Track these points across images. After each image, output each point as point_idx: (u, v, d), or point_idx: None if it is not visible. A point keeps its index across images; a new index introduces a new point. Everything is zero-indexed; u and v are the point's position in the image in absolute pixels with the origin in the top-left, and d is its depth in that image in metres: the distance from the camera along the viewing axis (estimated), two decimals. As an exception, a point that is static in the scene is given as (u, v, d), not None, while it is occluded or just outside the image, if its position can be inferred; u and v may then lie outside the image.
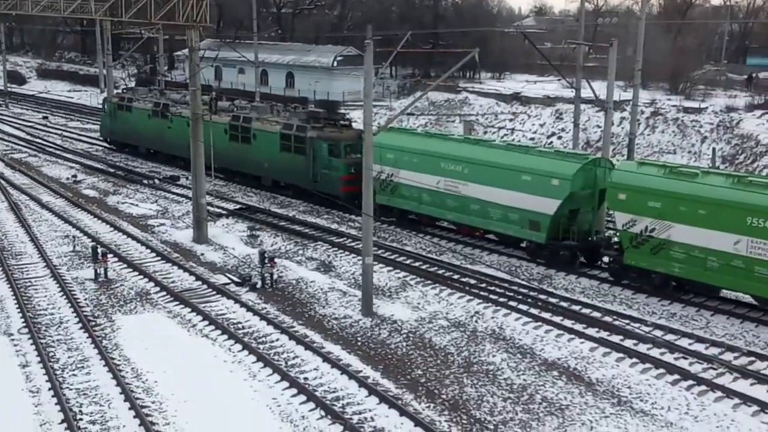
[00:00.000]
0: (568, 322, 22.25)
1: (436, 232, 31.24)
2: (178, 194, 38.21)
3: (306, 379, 18.76)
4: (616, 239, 26.24)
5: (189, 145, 38.62)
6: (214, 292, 24.62)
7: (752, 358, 19.95)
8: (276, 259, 26.21)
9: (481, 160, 27.53)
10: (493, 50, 72.30)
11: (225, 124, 38.93)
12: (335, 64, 73.10)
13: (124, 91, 52.74)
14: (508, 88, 65.76)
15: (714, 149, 43.43)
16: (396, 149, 30.28)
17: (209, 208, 32.20)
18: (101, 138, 51.98)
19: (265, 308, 23.41)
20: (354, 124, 37.71)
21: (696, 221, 22.21)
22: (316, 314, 22.97)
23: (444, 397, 17.99)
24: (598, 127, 48.15)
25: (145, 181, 40.94)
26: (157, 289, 24.89)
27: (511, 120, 55.65)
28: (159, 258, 28.10)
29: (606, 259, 25.93)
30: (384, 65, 32.15)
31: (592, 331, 21.61)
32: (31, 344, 20.64)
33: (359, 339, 21.25)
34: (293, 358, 19.93)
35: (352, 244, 29.68)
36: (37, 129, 60.19)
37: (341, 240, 30.44)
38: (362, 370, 19.32)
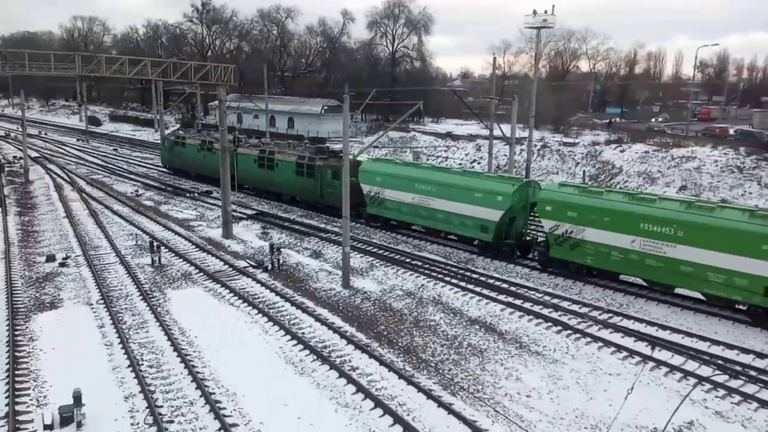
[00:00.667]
0: (486, 291, 22.39)
1: (401, 231, 31.14)
2: (210, 204, 37.62)
3: (303, 333, 18.61)
4: (541, 238, 26.25)
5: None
6: (237, 273, 24.29)
7: (611, 315, 20.32)
8: (281, 249, 25.99)
9: (445, 182, 26.80)
10: (432, 102, 72.65)
11: (255, 155, 37.85)
12: (323, 111, 72.77)
13: (178, 131, 51.50)
14: (443, 128, 66.05)
15: (584, 171, 44.11)
16: (382, 174, 29.38)
17: (234, 213, 31.74)
18: (162, 165, 50.08)
19: (274, 284, 23.14)
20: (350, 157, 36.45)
21: (603, 226, 21.85)
22: (310, 287, 22.77)
23: (400, 344, 17.98)
24: (505, 156, 48.53)
25: (188, 194, 40.24)
26: (197, 271, 24.48)
27: (445, 151, 55.92)
28: (197, 249, 27.64)
29: (535, 253, 25.60)
30: (357, 113, 32.09)
31: (502, 297, 21.77)
32: (106, 311, 20.16)
33: (340, 305, 21.12)
34: (294, 319, 19.75)
35: (336, 238, 29.41)
36: (109, 157, 58.84)
37: (328, 235, 30.11)
38: (343, 326, 19.21)
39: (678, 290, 21.28)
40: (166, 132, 51.11)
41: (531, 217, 26.95)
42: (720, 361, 16.95)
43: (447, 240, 28.49)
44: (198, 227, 31.96)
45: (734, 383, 15.93)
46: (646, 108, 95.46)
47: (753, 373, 16.36)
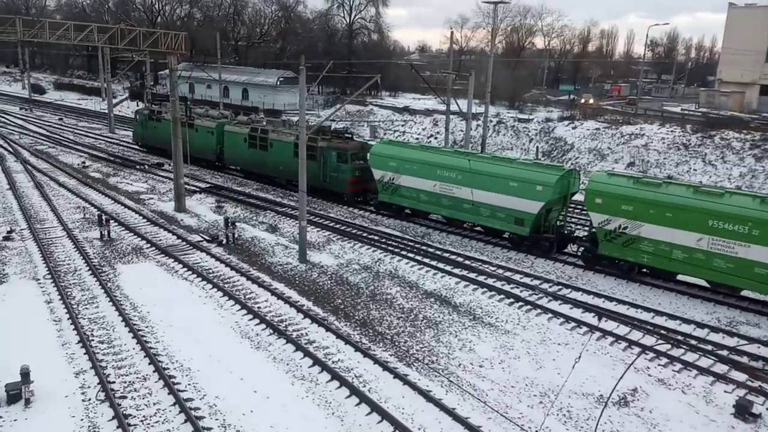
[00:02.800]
0: (441, 265, 22.66)
1: (417, 221, 31.08)
2: (162, 176, 36.53)
3: (259, 307, 18.47)
4: (578, 231, 25.25)
5: (211, 149, 37.09)
6: (191, 247, 23.80)
7: (559, 287, 20.96)
8: (236, 223, 25.56)
9: (474, 169, 24.42)
10: (390, 76, 72.11)
11: (245, 134, 34.74)
12: (278, 83, 71.29)
13: (153, 104, 47.32)
14: (401, 103, 65.82)
15: (537, 147, 44.92)
16: (397, 158, 26.85)
17: (186, 186, 30.92)
18: (134, 142, 45.75)
19: (229, 258, 22.82)
20: (356, 137, 33.81)
21: (664, 222, 19.87)
22: (266, 262, 22.57)
23: (356, 318, 18.08)
24: (461, 131, 48.96)
25: (138, 167, 38.92)
26: (149, 245, 23.86)
27: (402, 125, 55.86)
28: (149, 222, 26.89)
29: (575, 248, 23.93)
30: (313, 85, 31.70)
31: (457, 271, 22.10)
32: (53, 286, 19.46)
33: (297, 279, 21.03)
34: (249, 293, 19.57)
35: (292, 212, 29.20)
36: (54, 127, 56.14)
37: (284, 209, 29.84)
38: (299, 300, 19.17)
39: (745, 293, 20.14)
40: (140, 105, 48.40)
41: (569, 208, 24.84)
42: (663, 331, 17.71)
43: (494, 237, 25.83)
44: (149, 200, 31.04)
45: (676, 352, 16.71)
46: (598, 86, 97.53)
47: (693, 342, 17.19)
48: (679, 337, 17.38)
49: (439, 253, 24.04)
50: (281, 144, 32.87)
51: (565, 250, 24.12)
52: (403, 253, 23.92)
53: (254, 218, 28.35)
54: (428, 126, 54.75)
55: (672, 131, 42.56)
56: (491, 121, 49.62)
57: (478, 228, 26.61)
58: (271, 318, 17.76)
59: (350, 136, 31.91)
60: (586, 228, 26.39)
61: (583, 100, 67.59)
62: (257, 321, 17.62)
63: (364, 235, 26.19)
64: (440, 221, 27.71)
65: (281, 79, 71.50)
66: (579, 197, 29.65)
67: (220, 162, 37.63)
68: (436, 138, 52.07)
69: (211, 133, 37.16)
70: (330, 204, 31.07)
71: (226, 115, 38.80)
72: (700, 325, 18.20)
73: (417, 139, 52.03)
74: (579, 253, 23.28)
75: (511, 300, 19.74)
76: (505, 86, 62.59)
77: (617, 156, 41.60)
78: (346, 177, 30.04)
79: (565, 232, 24.19)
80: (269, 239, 25.25)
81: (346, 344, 16.45)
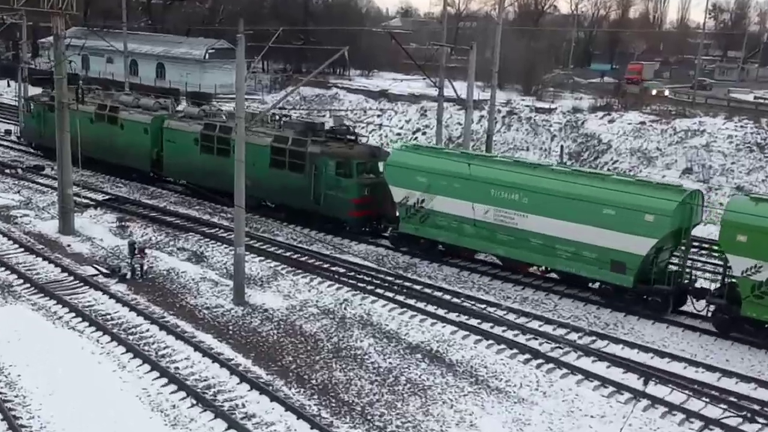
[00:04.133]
0: (431, 308, 22.75)
1: (459, 263, 31.09)
2: (42, 185, 36.10)
3: (177, 368, 18.26)
4: (710, 283, 24.21)
5: (144, 154, 35.99)
6: (81, 284, 23.47)
7: (593, 338, 21.20)
8: (146, 250, 25.33)
9: (547, 189, 23.07)
10: (361, 48, 72.71)
11: (196, 133, 33.32)
12: (207, 56, 71.22)
13: (52, 91, 46.78)
14: (376, 85, 66.47)
15: (562, 147, 45.63)
16: (430, 172, 25.66)
17: (77, 198, 30.61)
18: (23, 142, 44.50)
19: (135, 299, 22.57)
20: (362, 140, 32.78)
21: None
22: (187, 304, 22.41)
23: (314, 381, 18.01)
24: (459, 124, 49.54)
25: (7, 171, 38.39)
26: (21, 281, 23.45)
27: (378, 116, 56.26)
28: (22, 249, 26.47)
29: (701, 305, 22.23)
30: (256, 59, 31.74)
31: (452, 316, 22.20)
32: None
33: (231, 327, 20.91)
34: (164, 349, 19.35)
35: (224, 234, 29.13)
36: None
37: (213, 230, 29.81)
38: (234, 358, 19.02)
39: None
40: (32, 92, 46.76)
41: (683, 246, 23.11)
42: (733, 398, 17.92)
43: (576, 286, 24.32)
44: (22, 219, 30.61)
45: (750, 428, 16.89)
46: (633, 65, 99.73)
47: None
48: (756, 406, 17.62)
49: (428, 291, 24.12)
50: (252, 148, 29.57)
51: (683, 308, 22.68)
52: (379, 291, 23.95)
53: (172, 243, 28.24)
54: (414, 117, 55.26)
55: (742, 127, 43.68)
56: (499, 111, 50.38)
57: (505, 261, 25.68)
58: (194, 383, 17.59)
59: (354, 137, 30.74)
60: (716, 276, 24.75)
61: (644, 88, 68.11)
62: (174, 387, 17.43)
63: (325, 266, 26.21)
64: (486, 261, 26.59)
65: (211, 51, 71.49)
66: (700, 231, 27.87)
67: (156, 172, 36.17)
68: (424, 133, 52.61)
69: (144, 131, 35.61)
70: (278, 224, 31.04)
71: (165, 105, 37.41)
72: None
73: (398, 135, 52.48)
74: (707, 314, 21.84)
75: (528, 356, 19.85)
76: (519, 64, 63.64)
77: (669, 160, 42.51)
78: (349, 197, 28.29)
79: (685, 281, 22.84)
80: (192, 272, 25.13)
81: (298, 419, 16.35)
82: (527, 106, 53.47)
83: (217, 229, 30.15)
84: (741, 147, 41.52)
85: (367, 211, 28.71)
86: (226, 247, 27.65)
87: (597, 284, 23.69)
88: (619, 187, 21.93)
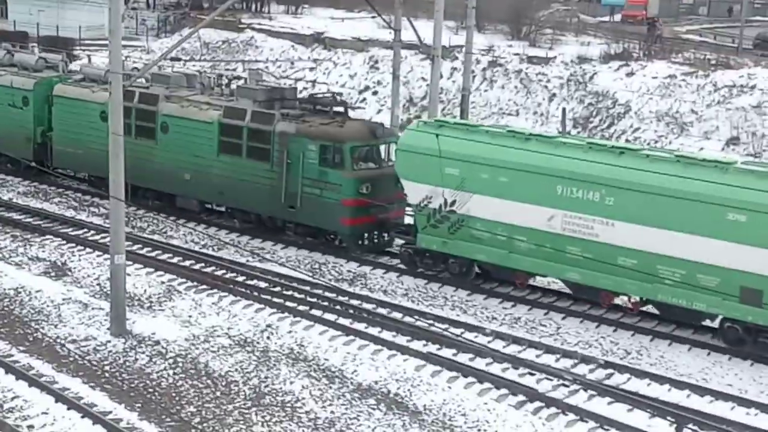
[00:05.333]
0: (387, 335, 22.78)
1: (213, 220, 30.93)
2: None
3: (31, 427, 17.97)
4: None
5: (22, 135, 34.33)
6: None
7: (610, 371, 21.37)
8: (-15, 261, 24.99)
9: (642, 185, 22.42)
10: (286, -25, 72.53)
11: (103, 104, 30.62)
12: (68, -13, 70.24)
13: None
14: (308, 26, 66.12)
15: (564, 110, 46.02)
16: (464, 160, 25.00)
17: None
18: None
19: (-30, 331, 22.22)
20: (353, 113, 31.73)
21: None
22: (44, 336, 22.11)
23: (226, 441, 17.86)
24: (424, 79, 49.61)
25: None
26: None
27: (312, 69, 56.08)
28: None
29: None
30: (138, -8, 31.28)
31: (417, 345, 22.20)
32: None
33: (108, 368, 20.65)
34: (11, 400, 19.02)
35: (96, 237, 28.91)
36: None
37: (80, 232, 29.62)
38: (112, 410, 18.76)
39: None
40: None
41: None
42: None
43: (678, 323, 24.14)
44: None
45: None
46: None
47: None
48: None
49: (384, 312, 24.14)
50: (190, 126, 30.58)
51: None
52: (316, 313, 23.96)
53: (21, 251, 27.96)
54: (360, 70, 55.19)
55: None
56: (478, 62, 50.66)
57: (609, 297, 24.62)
58: (55, 447, 17.32)
59: (343, 108, 30.19)
60: None
61: (651, 25, 68.43)
62: (28, 454, 17.15)
63: (240, 279, 26.12)
64: (538, 286, 26.12)
65: (74, -21, 70.51)
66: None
67: (41, 160, 34.99)
68: (375, 92, 52.58)
69: (22, 102, 34.83)
70: (172, 222, 30.88)
71: (53, 64, 36.53)
72: None
73: (340, 93, 52.28)
74: None
75: (521, 398, 19.98)
76: (503, -2, 63.92)
77: (707, 126, 43.29)
78: (340, 197, 27.55)
79: None
80: (52, 291, 24.89)
81: (205, 493, 16.24)
82: (516, 54, 53.84)
83: (85, 230, 29.91)
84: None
85: (366, 218, 27.87)
86: (98, 255, 27.41)
87: (717, 321, 22.99)
88: (749, 182, 21.41)
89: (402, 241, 28.24)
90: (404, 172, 26.35)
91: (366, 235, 28.47)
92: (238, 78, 34.94)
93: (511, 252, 24.70)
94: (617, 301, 24.49)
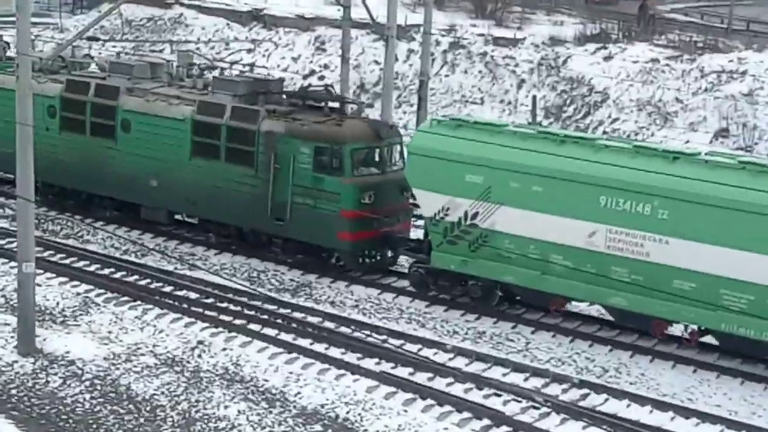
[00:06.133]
0: (335, 352, 22.79)
1: (138, 225, 30.76)
2: None
3: (-74, 461, 17.79)
4: None
5: None
6: None
7: (585, 391, 21.52)
8: None
9: (701, 196, 21.97)
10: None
11: (52, 97, 31.35)
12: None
13: None
14: (245, 2, 65.93)
15: (534, 98, 46.25)
16: (489, 166, 24.48)
17: None
18: None
19: None
20: (350, 109, 30.58)
21: None
22: (-61, 356, 21.89)
23: (151, 474, 17.82)
24: (377, 63, 49.63)
25: None
26: None
27: (249, 51, 55.87)
28: None
29: None
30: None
31: (369, 363, 22.26)
32: None
33: (14, 392, 20.46)
34: None
35: (1, 242, 28.80)
36: None
37: (-18, 236, 29.34)
38: (19, 441, 18.65)
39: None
40: None
41: None
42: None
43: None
44: None
45: None
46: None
47: None
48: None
49: (331, 326, 24.19)
50: (159, 123, 29.83)
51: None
52: (254, 328, 23.96)
53: None
54: (305, 52, 55.12)
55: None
56: (438, 44, 50.79)
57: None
58: (-46, 483, 17.15)
59: (340, 103, 29.79)
60: None
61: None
62: None
63: (167, 289, 26.12)
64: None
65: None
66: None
67: None
68: (322, 77, 52.49)
69: None
70: (88, 225, 30.53)
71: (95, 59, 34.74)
72: None
73: (282, 78, 52.14)
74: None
75: (486, 422, 20.06)
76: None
77: (694, 116, 43.75)
78: (339, 207, 27.02)
79: None
80: (-52, 304, 24.66)
81: None
82: (481, 35, 53.96)
83: (-13, 232, 29.68)
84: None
85: (367, 232, 27.20)
86: (4, 263, 27.28)
87: None
88: None
89: (411, 260, 27.50)
90: (417, 180, 25.77)
91: (367, 252, 27.87)
92: (213, 67, 33.71)
93: (545, 273, 24.12)
94: (672, 330, 24.16)
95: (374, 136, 27.76)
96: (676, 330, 24.03)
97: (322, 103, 28.93)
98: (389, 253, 28.18)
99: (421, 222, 28.57)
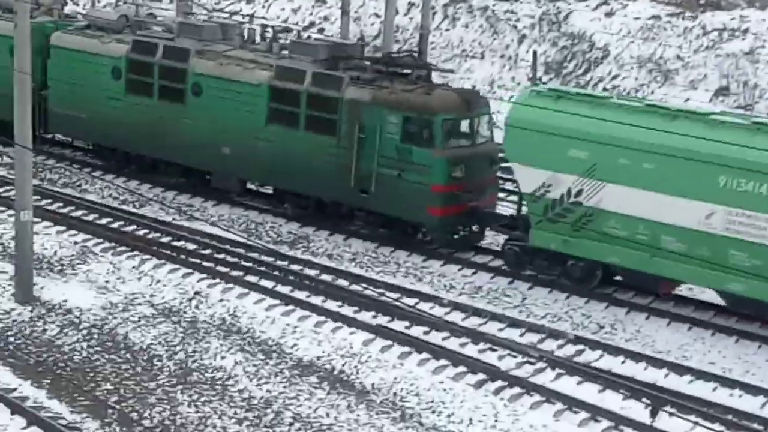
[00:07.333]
0: (332, 305, 22.84)
1: (147, 177, 30.68)
2: None
3: (-77, 406, 17.87)
4: None
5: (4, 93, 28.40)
6: None
7: (581, 347, 21.63)
8: None
9: None
10: None
11: (117, 58, 30.53)
12: None
13: None
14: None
15: (535, 53, 45.99)
16: (596, 140, 23.20)
17: None
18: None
19: None
20: (439, 78, 29.63)
21: None
22: (-62, 303, 21.96)
23: (147, 423, 17.83)
24: (377, 16, 49.30)
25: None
26: None
27: (249, 1, 55.49)
28: None
29: None
30: None
31: (366, 316, 22.34)
32: None
33: (12, 340, 20.54)
34: None
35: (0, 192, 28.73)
36: None
37: (-19, 184, 29.30)
38: (17, 387, 18.71)
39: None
40: None
41: None
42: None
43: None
44: None
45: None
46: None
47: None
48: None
49: (328, 279, 24.23)
50: (232, 88, 28.83)
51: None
52: (251, 279, 23.99)
53: None
54: (305, 3, 54.66)
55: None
56: (438, -2, 50.43)
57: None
58: (-49, 429, 17.23)
59: (426, 70, 28.64)
60: None
61: None
62: None
63: (165, 240, 26.15)
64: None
65: None
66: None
67: (36, 126, 30.10)
68: (322, 30, 52.16)
69: (9, 53, 28.91)
70: (87, 174, 30.50)
71: (47, 6, 33.52)
72: None
73: (281, 31, 51.85)
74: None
75: (481, 377, 20.12)
76: None
77: (694, 74, 43.58)
78: (429, 181, 25.93)
79: None
80: (-54, 252, 24.71)
81: (123, 482, 16.27)
82: (482, -12, 53.67)
83: (-16, 180, 29.69)
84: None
85: (459, 207, 26.11)
86: (1, 212, 27.33)
87: None
88: None
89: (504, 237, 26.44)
90: (516, 155, 24.62)
91: (454, 227, 26.98)
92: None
93: (654, 255, 22.91)
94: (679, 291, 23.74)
95: (464, 107, 26.53)
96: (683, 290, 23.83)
97: (410, 71, 27.68)
98: (481, 230, 27.31)
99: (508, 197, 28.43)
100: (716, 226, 21.81)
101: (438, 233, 26.65)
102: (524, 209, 25.13)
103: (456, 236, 26.79)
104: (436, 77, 29.60)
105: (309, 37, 30.84)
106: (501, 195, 28.60)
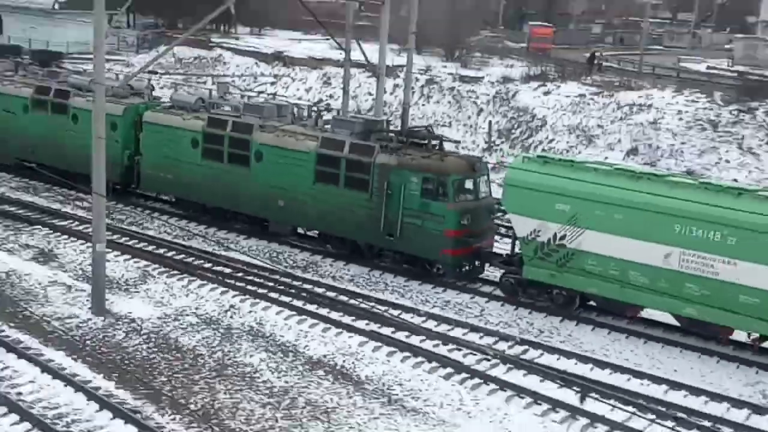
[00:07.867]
0: (335, 315, 22.88)
1: (186, 214, 30.68)
2: None
3: (20, 394, 17.72)
4: None
5: (113, 157, 28.47)
6: None
7: (526, 347, 21.74)
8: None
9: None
10: (251, 1, 71.98)
11: (195, 132, 30.00)
12: (57, 6, 69.02)
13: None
14: (269, 46, 65.72)
15: (490, 122, 46.50)
16: (576, 196, 23.11)
17: None
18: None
19: (-35, 309, 21.80)
20: (447, 146, 28.66)
21: None
22: (32, 314, 21.76)
23: (192, 406, 17.81)
24: (370, 94, 49.67)
25: None
26: None
27: (273, 83, 55.79)
28: None
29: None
30: (119, 11, 30.76)
31: (361, 324, 22.37)
32: None
33: (88, 342, 20.47)
34: (2, 370, 18.72)
35: (80, 227, 28.56)
36: None
37: (66, 223, 29.18)
38: (92, 379, 18.63)
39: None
40: None
41: None
42: (682, 414, 18.59)
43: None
44: None
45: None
46: (582, 27, 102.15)
47: (728, 430, 18.16)
48: (707, 423, 18.36)
49: (332, 295, 24.23)
50: (288, 155, 28.07)
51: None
52: (273, 295, 23.96)
53: (12, 238, 27.54)
54: (315, 85, 55.07)
55: (694, 102, 45.44)
56: (417, 80, 50.78)
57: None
58: (41, 412, 17.12)
59: (438, 141, 27.69)
60: None
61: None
62: (16, 418, 16.92)
63: (207, 265, 26.04)
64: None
65: (62, 0, 69.39)
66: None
67: (128, 184, 32.77)
68: (328, 105, 52.46)
69: (111, 127, 29.65)
70: (147, 214, 30.41)
71: (139, 90, 33.57)
72: (738, 403, 19.34)
73: (296, 105, 52.16)
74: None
75: (449, 370, 20.18)
76: (440, 25, 64.23)
77: (611, 138, 43.86)
78: (443, 228, 25.37)
79: None
80: (39, 275, 24.57)
81: (174, 452, 16.14)
82: (450, 74, 54.04)
83: (70, 221, 29.50)
84: (692, 124, 43.24)
85: (466, 248, 25.61)
86: (81, 244, 27.11)
87: None
88: None
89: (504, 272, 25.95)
90: (513, 207, 24.42)
91: (465, 265, 26.36)
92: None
93: (624, 287, 22.66)
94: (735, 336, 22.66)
95: (470, 169, 26.20)
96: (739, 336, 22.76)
97: (426, 141, 27.23)
98: (483, 266, 26.68)
99: (502, 239, 28.35)
100: (673, 263, 21.74)
101: (450, 269, 26.14)
102: (518, 249, 24.82)
103: (463, 270, 26.31)
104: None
105: (346, 114, 30.34)
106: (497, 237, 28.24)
